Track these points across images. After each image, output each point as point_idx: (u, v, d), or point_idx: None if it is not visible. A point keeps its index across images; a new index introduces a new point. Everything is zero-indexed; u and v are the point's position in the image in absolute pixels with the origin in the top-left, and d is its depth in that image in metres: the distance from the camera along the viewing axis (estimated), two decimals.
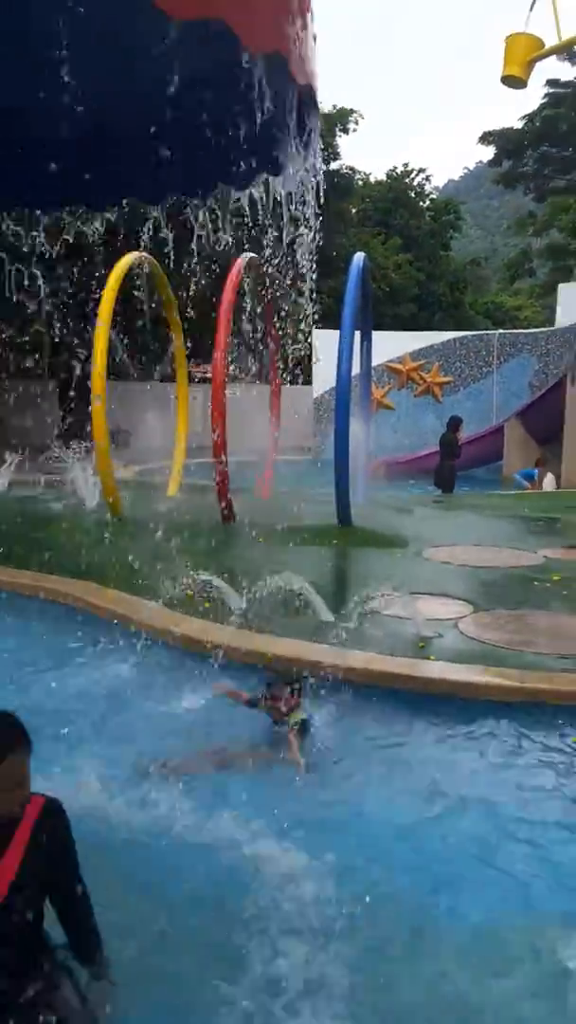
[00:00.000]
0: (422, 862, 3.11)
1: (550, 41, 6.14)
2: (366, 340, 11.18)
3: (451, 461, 14.26)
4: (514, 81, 6.24)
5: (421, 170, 33.30)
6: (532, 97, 36.57)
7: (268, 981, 2.40)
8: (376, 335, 13.51)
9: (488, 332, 21.20)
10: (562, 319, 19.22)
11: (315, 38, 1.93)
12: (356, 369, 9.68)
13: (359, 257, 9.34)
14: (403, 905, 2.83)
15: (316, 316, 22.62)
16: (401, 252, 29.46)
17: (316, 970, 2.44)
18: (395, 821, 3.36)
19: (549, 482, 15.17)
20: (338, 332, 8.82)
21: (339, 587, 6.68)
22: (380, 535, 8.63)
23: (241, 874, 2.90)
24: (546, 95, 35.12)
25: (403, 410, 19.72)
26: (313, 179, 2.12)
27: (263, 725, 4.09)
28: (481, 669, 4.57)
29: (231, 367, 11.36)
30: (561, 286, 21.35)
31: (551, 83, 34.80)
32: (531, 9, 5.95)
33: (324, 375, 18.60)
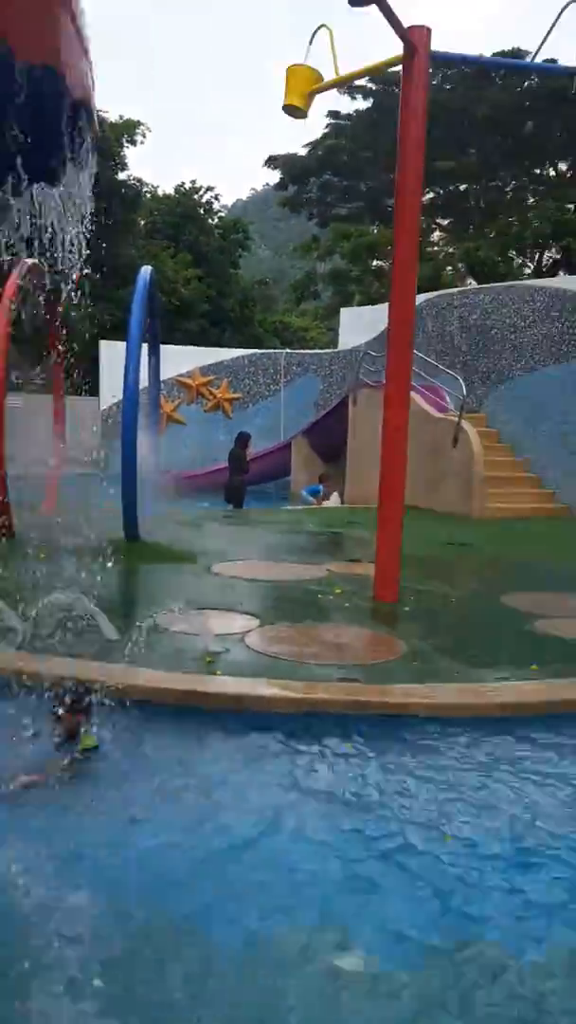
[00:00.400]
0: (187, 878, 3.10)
1: (329, 75, 6.43)
2: (154, 354, 11.13)
3: (240, 476, 14.48)
4: (294, 111, 6.47)
5: (210, 188, 33.71)
6: (317, 125, 38.01)
7: None
8: (166, 349, 13.48)
9: (276, 351, 21.75)
10: (344, 342, 20.04)
11: (88, 50, 1.90)
12: (144, 382, 9.62)
13: (146, 271, 9.30)
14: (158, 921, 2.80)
15: (106, 326, 22.24)
16: (191, 267, 29.63)
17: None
18: (170, 842, 3.33)
19: (333, 498, 15.77)
20: (125, 344, 8.74)
21: (125, 604, 6.58)
22: (168, 550, 8.60)
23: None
24: (328, 125, 36.67)
25: (194, 425, 19.80)
26: (88, 190, 2.09)
27: (47, 751, 3.94)
28: (266, 682, 4.65)
29: (14, 376, 10.93)
30: (343, 310, 22.29)
31: (332, 115, 36.37)
32: (311, 43, 6.21)
33: (112, 387, 18.34)
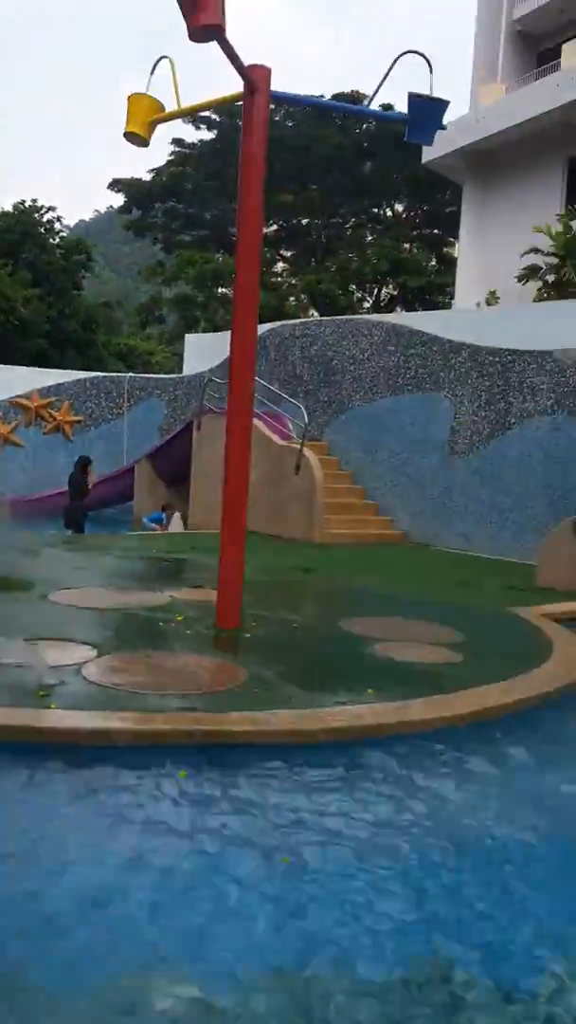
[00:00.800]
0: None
1: (171, 106, 6.48)
2: None
3: (80, 501, 14.19)
4: (135, 138, 6.48)
5: (51, 208, 33.10)
6: (162, 152, 38.20)
7: None
8: (3, 369, 13.07)
9: (119, 375, 21.50)
10: (189, 367, 20.06)
11: None
12: None
13: None
14: None
15: None
16: (31, 287, 28.91)
17: None
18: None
19: (176, 524, 15.70)
20: None
21: None
22: (2, 578, 8.29)
23: None
24: (172, 153, 36.86)
25: (32, 448, 19.23)
26: None
27: None
28: (104, 715, 4.55)
29: None
30: (187, 336, 22.32)
31: (177, 143, 36.62)
32: (151, 74, 6.24)
33: None
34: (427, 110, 6.49)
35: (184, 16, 5.09)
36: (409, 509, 14.49)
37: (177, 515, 15.79)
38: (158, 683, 5.19)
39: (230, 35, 5.40)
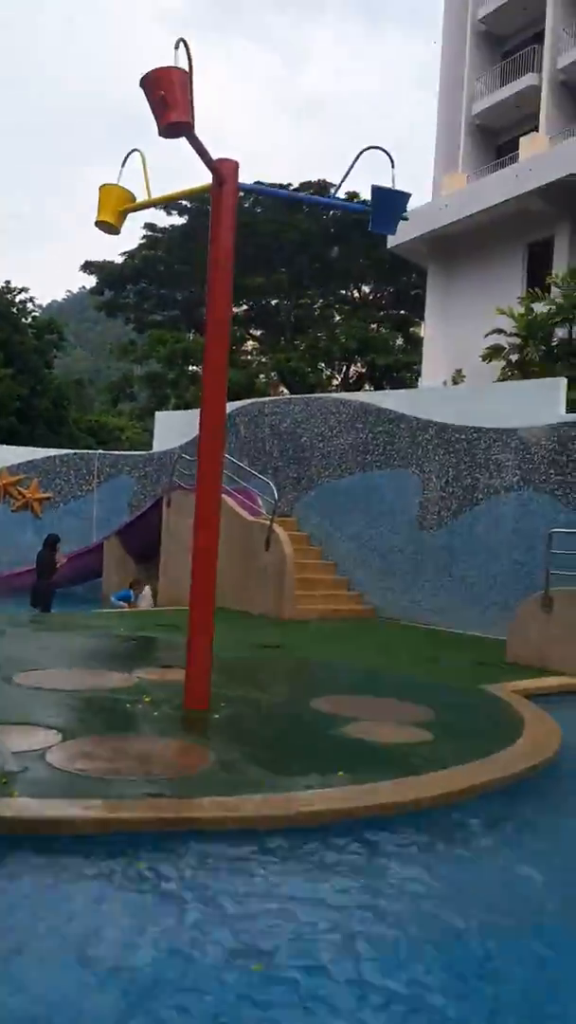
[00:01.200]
0: None
1: (141, 196, 6.68)
2: None
3: (47, 579, 14.07)
4: (106, 226, 6.65)
5: (24, 289, 33.63)
6: (134, 236, 39.34)
7: None
8: None
9: (89, 452, 21.58)
10: (158, 444, 20.18)
11: None
12: None
13: None
14: None
15: None
16: (3, 366, 29.15)
17: None
18: None
19: (147, 600, 15.58)
20: None
21: None
22: None
23: None
24: (144, 237, 37.75)
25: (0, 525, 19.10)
26: None
27: None
28: (67, 803, 4.44)
29: None
30: (158, 414, 22.52)
31: (149, 227, 37.58)
32: (123, 166, 6.45)
33: None
34: (390, 202, 6.74)
35: (155, 114, 5.30)
36: (379, 584, 14.51)
37: (147, 590, 15.69)
38: (125, 768, 5.09)
39: (199, 127, 5.61)
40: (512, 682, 8.66)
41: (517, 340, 18.63)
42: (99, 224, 6.65)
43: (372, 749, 5.89)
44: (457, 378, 22.28)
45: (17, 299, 33.31)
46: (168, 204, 34.93)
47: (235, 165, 6.50)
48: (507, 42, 29.56)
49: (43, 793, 4.56)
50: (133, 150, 6.52)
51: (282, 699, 7.73)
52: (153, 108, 5.32)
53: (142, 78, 5.40)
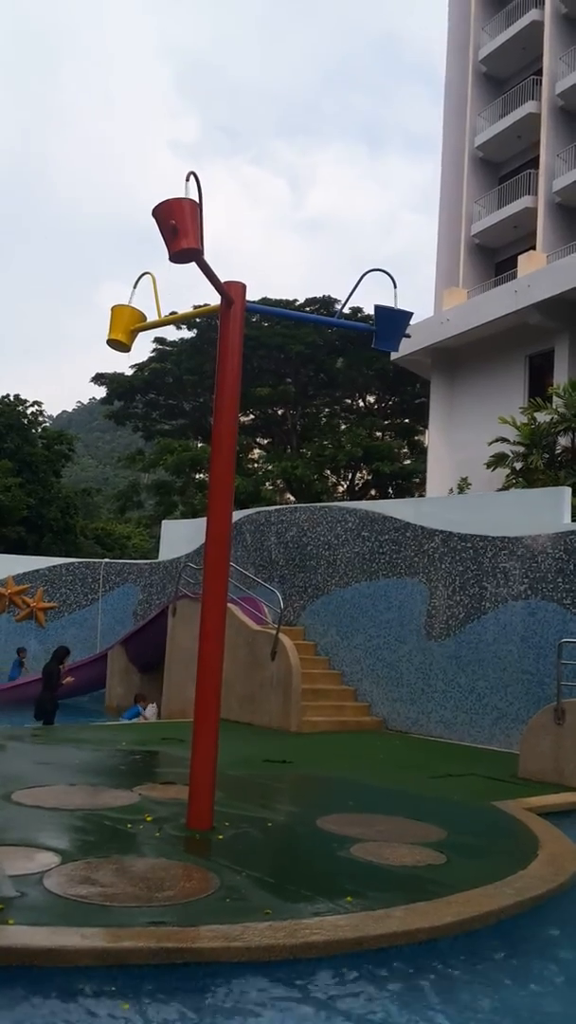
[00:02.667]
0: None
1: (151, 316, 6.90)
2: None
3: (52, 692, 13.89)
4: (118, 345, 6.86)
5: (37, 403, 34.52)
6: (144, 349, 40.69)
7: None
8: None
9: (95, 560, 21.63)
10: (164, 552, 20.23)
11: None
12: None
13: None
14: None
15: None
16: (12, 475, 29.57)
17: None
18: None
19: (151, 711, 15.33)
20: None
21: None
22: None
23: None
24: (154, 350, 38.87)
25: (3, 635, 19.00)
26: None
27: None
28: (65, 931, 4.25)
29: None
30: (164, 522, 22.66)
31: (159, 341, 38.75)
32: (135, 288, 6.69)
33: None
34: (393, 321, 6.96)
35: (166, 241, 5.52)
36: (387, 695, 14.27)
37: (152, 707, 15.45)
38: (124, 894, 4.90)
39: (209, 248, 5.84)
40: (525, 798, 8.41)
41: (521, 449, 18.89)
42: (111, 343, 6.86)
43: (382, 872, 5.68)
44: (463, 486, 22.48)
45: (28, 411, 34.07)
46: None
47: (242, 287, 6.74)
48: (504, 167, 31.10)
49: (39, 920, 4.38)
50: (144, 273, 6.78)
51: (288, 818, 7.50)
52: (165, 235, 5.55)
53: (155, 208, 5.65)
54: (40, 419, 35.28)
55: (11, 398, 33.75)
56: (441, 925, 4.76)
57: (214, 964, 4.15)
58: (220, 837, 6.38)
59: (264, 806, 7.72)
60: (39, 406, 34.64)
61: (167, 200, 5.60)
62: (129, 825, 6.50)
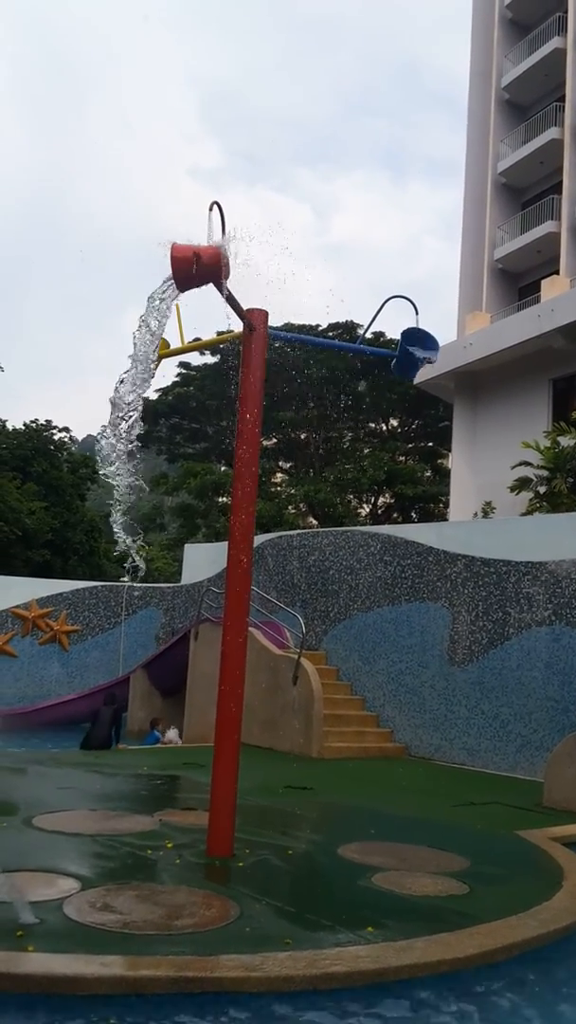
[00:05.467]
0: None
1: (175, 343, 6.97)
2: None
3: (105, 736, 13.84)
4: None
5: (65, 428, 34.87)
6: (168, 374, 41.17)
7: None
8: (3, 580, 13.21)
9: (118, 583, 21.70)
10: (187, 576, 20.27)
11: None
12: None
13: None
14: None
15: None
16: (38, 499, 29.83)
17: None
18: None
19: (173, 736, 15.30)
20: None
21: None
22: None
23: None
24: (179, 375, 39.19)
25: (26, 658, 19.07)
26: None
27: None
28: (84, 959, 4.23)
29: None
30: (187, 546, 22.73)
31: (183, 365, 39.06)
32: (158, 303, 6.73)
33: None
34: (413, 359, 6.98)
35: (188, 269, 5.57)
36: (410, 721, 14.16)
37: (174, 729, 15.40)
38: (144, 921, 4.87)
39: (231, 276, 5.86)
40: (550, 828, 8.29)
41: (544, 473, 18.80)
42: None
43: (403, 902, 5.61)
44: (487, 510, 22.38)
45: (55, 436, 34.41)
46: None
47: (265, 315, 6.79)
48: (526, 192, 31.19)
49: (59, 947, 4.36)
50: (167, 286, 6.81)
51: (309, 846, 7.44)
52: (187, 263, 5.59)
53: (173, 251, 5.59)
54: (67, 444, 35.60)
55: (37, 423, 34.10)
56: (464, 957, 4.70)
57: (233, 994, 4.12)
58: (240, 864, 6.34)
59: (285, 833, 7.67)
60: (68, 432, 35.01)
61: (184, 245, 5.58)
62: (149, 851, 6.47)
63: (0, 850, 6.17)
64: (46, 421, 34.31)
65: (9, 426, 34.22)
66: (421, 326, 7.06)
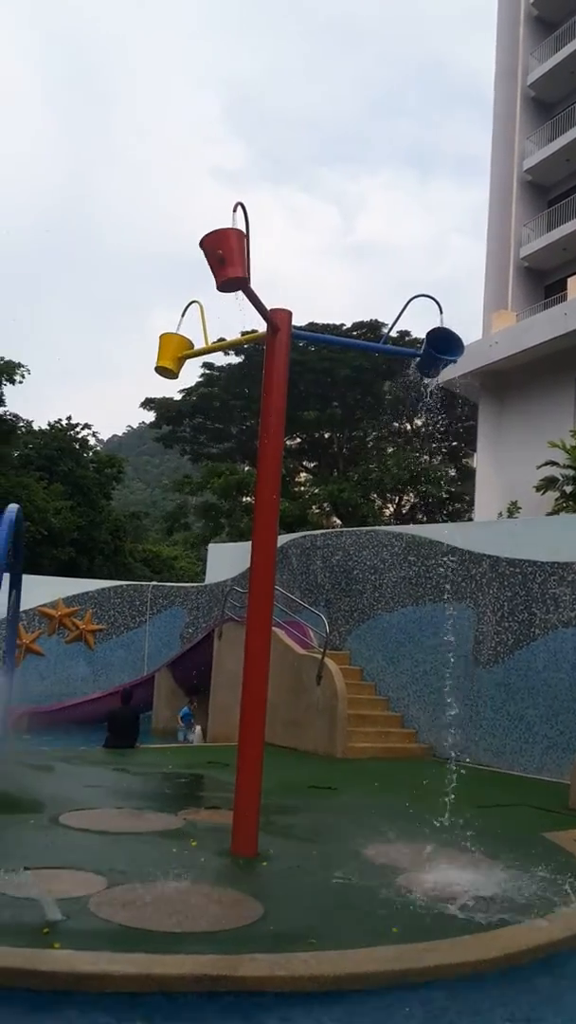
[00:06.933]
0: None
1: (199, 344, 7.00)
2: (15, 587, 10.97)
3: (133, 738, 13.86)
4: (166, 372, 6.96)
5: (87, 425, 34.98)
6: (192, 374, 41.33)
7: None
8: (30, 579, 13.32)
9: (142, 583, 21.81)
10: (211, 575, 20.33)
11: None
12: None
13: (12, 508, 9.38)
14: None
15: None
16: (64, 498, 30.03)
17: None
18: None
19: (197, 733, 15.36)
20: None
21: None
22: (10, 797, 8.04)
23: None
24: (202, 375, 39.31)
25: (53, 657, 19.21)
26: None
27: None
28: (109, 956, 4.26)
29: None
30: (211, 545, 22.80)
31: (207, 366, 39.18)
32: (183, 316, 6.79)
33: None
34: (436, 359, 6.96)
35: (213, 271, 5.61)
36: (434, 721, 14.11)
37: (198, 728, 15.48)
38: (168, 920, 4.90)
39: (255, 275, 5.89)
40: (575, 831, 8.23)
41: (571, 472, 18.67)
42: (159, 370, 6.96)
43: (428, 903, 5.59)
44: (512, 510, 22.25)
45: (80, 435, 34.58)
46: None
47: (288, 315, 6.80)
48: (552, 190, 30.98)
49: (85, 945, 4.39)
50: (192, 302, 6.88)
51: (333, 846, 7.43)
52: (212, 265, 5.63)
53: (202, 238, 5.74)
54: (91, 442, 35.76)
55: (62, 423, 34.30)
56: (488, 959, 4.68)
57: (257, 993, 4.13)
58: (264, 864, 6.36)
59: (309, 834, 7.67)
60: (90, 429, 35.12)
61: (214, 230, 5.69)
62: (174, 850, 6.50)
63: (27, 847, 6.23)
64: (67, 418, 34.52)
65: (35, 426, 34.48)
66: (446, 325, 7.04)
